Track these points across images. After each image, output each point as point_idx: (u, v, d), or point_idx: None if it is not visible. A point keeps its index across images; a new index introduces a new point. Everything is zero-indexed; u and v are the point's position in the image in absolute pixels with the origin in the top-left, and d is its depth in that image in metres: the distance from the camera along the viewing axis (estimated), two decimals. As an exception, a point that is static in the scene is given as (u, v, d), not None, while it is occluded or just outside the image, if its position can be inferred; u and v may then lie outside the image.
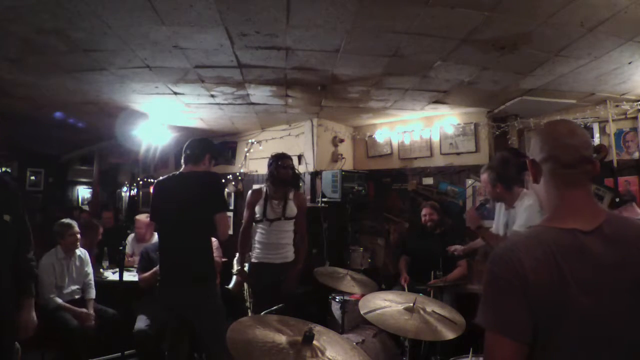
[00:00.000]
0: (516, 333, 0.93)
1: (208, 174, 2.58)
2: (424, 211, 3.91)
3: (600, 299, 0.92)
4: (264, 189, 3.19)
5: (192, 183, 2.50)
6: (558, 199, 1.06)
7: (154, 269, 3.20)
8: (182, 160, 2.62)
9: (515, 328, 0.94)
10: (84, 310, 3.36)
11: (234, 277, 3.91)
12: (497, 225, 2.91)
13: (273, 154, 3.26)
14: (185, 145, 2.63)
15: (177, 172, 2.62)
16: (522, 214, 2.52)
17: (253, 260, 3.15)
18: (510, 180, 2.65)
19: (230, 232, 4.43)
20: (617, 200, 3.32)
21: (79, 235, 3.55)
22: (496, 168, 2.71)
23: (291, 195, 3.19)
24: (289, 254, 3.17)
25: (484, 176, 2.76)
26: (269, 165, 3.19)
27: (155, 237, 4.10)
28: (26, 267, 2.11)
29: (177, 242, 2.46)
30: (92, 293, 3.55)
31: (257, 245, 3.15)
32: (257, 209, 3.14)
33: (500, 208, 2.89)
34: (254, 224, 3.20)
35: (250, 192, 3.25)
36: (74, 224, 3.54)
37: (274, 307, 2.33)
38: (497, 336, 0.95)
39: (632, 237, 0.99)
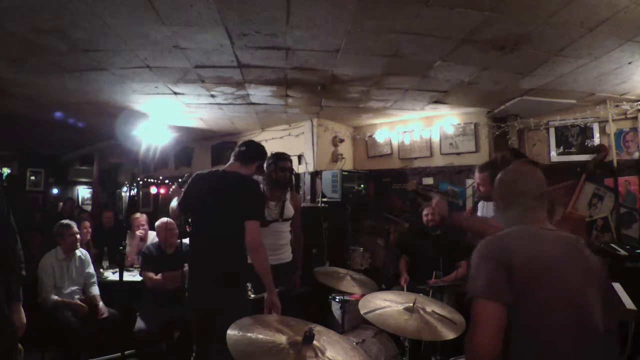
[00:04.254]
0: (501, 296, 1.23)
1: (251, 179, 2.50)
2: (425, 211, 3.90)
3: (566, 273, 1.26)
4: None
5: (235, 183, 2.41)
6: (531, 217, 1.42)
7: (179, 271, 3.16)
8: (233, 156, 2.52)
9: (500, 292, 1.23)
10: (82, 304, 3.36)
11: None
12: None
13: (272, 152, 3.23)
14: (242, 142, 2.56)
15: (220, 169, 2.53)
16: None
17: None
18: None
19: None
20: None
21: (78, 236, 3.55)
22: (501, 168, 2.67)
23: (287, 195, 3.17)
24: (286, 255, 3.16)
25: (484, 174, 2.68)
26: (267, 165, 3.15)
27: (153, 236, 4.12)
28: (13, 270, 2.05)
29: (211, 239, 2.36)
30: (95, 290, 3.56)
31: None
32: None
33: (484, 207, 2.87)
34: None
35: None
36: (73, 224, 3.54)
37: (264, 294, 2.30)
38: (485, 301, 1.24)
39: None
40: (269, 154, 3.21)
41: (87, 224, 4.33)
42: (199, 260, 2.41)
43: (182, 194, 2.55)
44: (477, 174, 2.73)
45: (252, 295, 2.38)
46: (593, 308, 1.25)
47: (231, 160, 2.52)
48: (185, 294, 2.47)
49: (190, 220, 2.56)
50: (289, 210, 3.15)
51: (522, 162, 1.80)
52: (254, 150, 2.54)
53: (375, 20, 2.27)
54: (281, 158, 3.16)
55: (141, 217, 4.38)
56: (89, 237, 4.34)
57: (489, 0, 2.02)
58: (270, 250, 3.08)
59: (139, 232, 4.27)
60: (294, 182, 3.47)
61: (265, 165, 3.17)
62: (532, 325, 1.22)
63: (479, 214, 2.93)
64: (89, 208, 7.70)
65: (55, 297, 3.29)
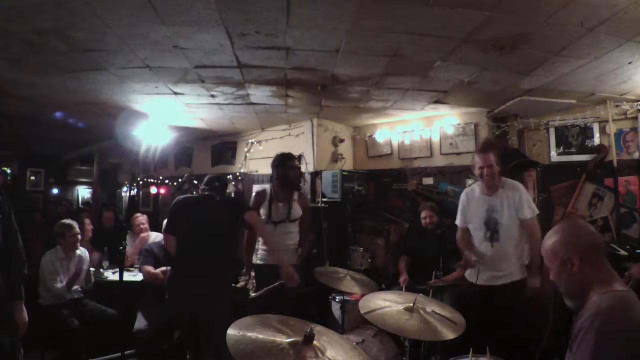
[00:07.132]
0: None
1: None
2: (423, 214, 3.89)
3: None
4: (268, 190, 3.17)
5: (222, 201, 2.73)
6: (610, 275, 1.35)
7: (163, 268, 3.27)
8: (209, 189, 2.81)
9: None
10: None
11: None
12: (472, 215, 2.91)
13: (279, 153, 3.21)
14: (210, 178, 2.87)
15: (203, 195, 2.80)
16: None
17: (258, 261, 3.13)
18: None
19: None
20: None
21: (79, 236, 3.55)
22: (503, 152, 2.80)
23: (295, 196, 3.18)
24: (294, 256, 3.17)
25: (491, 155, 2.68)
26: (277, 165, 3.13)
27: (154, 235, 4.12)
28: (15, 269, 2.09)
29: (202, 252, 2.54)
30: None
31: (262, 247, 3.13)
32: (262, 211, 3.12)
33: (472, 198, 2.90)
34: None
35: (254, 194, 3.23)
36: (75, 224, 3.54)
37: (273, 285, 2.43)
38: None
39: None
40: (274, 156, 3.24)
41: (88, 221, 4.34)
42: (188, 262, 2.56)
43: (168, 221, 2.78)
44: (481, 156, 2.71)
45: (252, 294, 2.42)
46: None
47: (207, 192, 2.80)
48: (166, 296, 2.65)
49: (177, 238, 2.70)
50: (297, 211, 3.16)
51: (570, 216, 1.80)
52: (224, 184, 2.97)
53: (375, 20, 2.27)
54: (290, 157, 3.21)
55: (141, 217, 4.38)
56: (90, 235, 4.35)
57: (489, 0, 2.02)
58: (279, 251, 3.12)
59: (143, 234, 4.26)
60: (303, 182, 3.52)
61: (274, 166, 3.18)
62: None
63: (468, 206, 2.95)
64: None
65: (62, 284, 3.32)
